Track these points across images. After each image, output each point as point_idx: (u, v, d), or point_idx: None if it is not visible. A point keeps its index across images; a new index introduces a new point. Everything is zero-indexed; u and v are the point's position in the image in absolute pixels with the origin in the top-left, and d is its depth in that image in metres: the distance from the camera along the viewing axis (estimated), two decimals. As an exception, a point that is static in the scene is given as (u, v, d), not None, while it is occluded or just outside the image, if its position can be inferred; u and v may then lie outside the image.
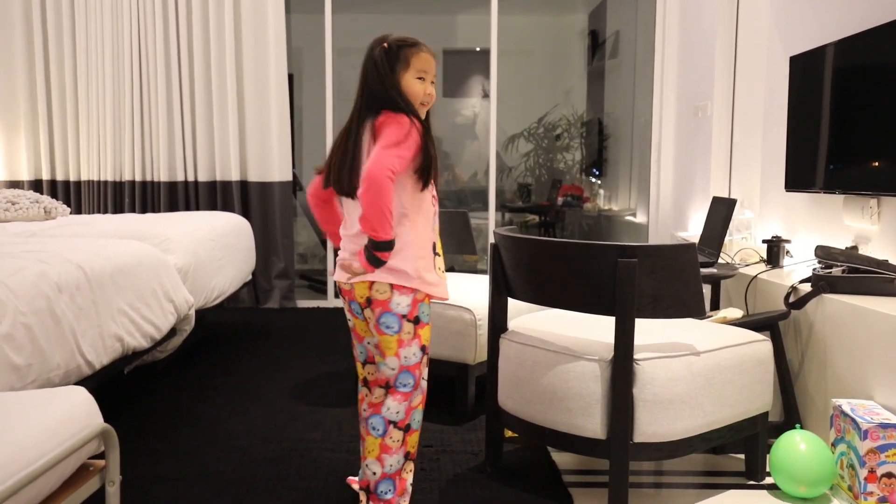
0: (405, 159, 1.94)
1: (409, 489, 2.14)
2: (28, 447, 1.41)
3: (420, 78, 2.03)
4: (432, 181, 2.04)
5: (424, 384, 2.10)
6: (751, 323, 2.65)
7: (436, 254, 2.09)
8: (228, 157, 5.11)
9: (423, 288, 2.02)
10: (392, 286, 2.00)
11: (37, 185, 5.20)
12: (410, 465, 2.11)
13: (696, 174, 4.58)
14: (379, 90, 2.01)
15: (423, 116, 2.06)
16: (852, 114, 2.92)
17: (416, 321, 2.04)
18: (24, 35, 5.07)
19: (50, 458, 1.42)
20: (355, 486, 2.31)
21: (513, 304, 2.49)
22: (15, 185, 5.19)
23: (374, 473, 2.04)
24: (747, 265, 3.33)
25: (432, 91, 2.06)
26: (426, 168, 2.00)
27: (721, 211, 3.35)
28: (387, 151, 1.91)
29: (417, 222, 2.03)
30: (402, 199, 2.00)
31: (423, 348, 2.07)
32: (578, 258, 2.11)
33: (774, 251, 3.23)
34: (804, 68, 3.29)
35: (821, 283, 2.57)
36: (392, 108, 2.00)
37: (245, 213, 5.15)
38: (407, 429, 2.06)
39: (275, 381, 3.46)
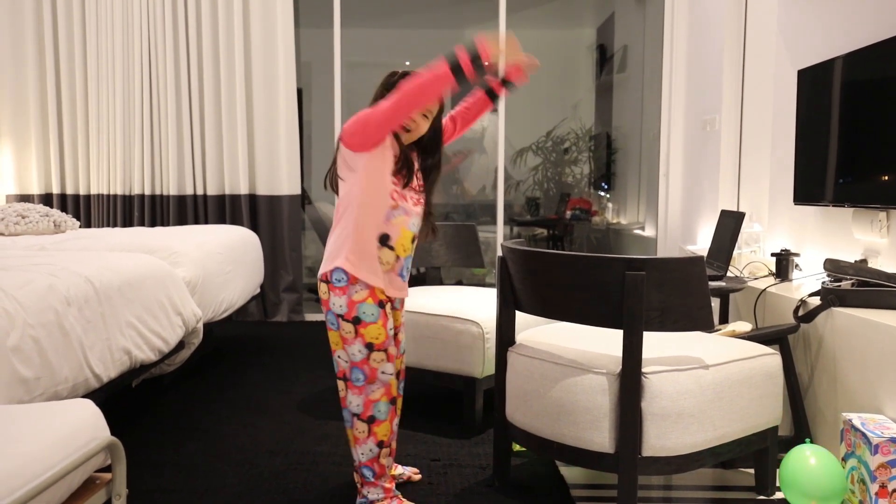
0: (352, 123, 2.11)
1: (391, 472, 2.33)
2: (35, 460, 1.42)
3: None
4: (399, 180, 2.18)
5: (386, 377, 2.19)
6: (760, 336, 2.63)
7: (388, 246, 2.17)
8: (237, 170, 5.14)
9: (371, 281, 2.13)
10: (329, 287, 2.15)
11: (47, 199, 5.23)
12: (386, 451, 2.23)
13: (705, 188, 4.57)
14: None
15: (404, 141, 2.20)
16: (861, 127, 2.92)
17: (357, 321, 2.14)
18: (34, 49, 5.11)
19: (56, 471, 1.42)
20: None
21: (520, 318, 2.49)
22: (25, 198, 5.22)
23: (356, 460, 2.23)
24: (756, 278, 3.31)
25: (415, 117, 2.18)
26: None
27: (729, 224, 3.34)
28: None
29: (359, 216, 2.15)
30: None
31: (368, 346, 2.16)
32: (586, 271, 2.10)
33: (783, 264, 3.22)
34: (812, 82, 3.29)
35: (830, 297, 2.56)
36: None
37: (253, 227, 5.17)
38: (371, 420, 2.19)
39: (282, 394, 3.46)
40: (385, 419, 2.20)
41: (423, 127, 2.22)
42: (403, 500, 2.25)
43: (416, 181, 2.25)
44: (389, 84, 2.19)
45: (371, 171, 2.12)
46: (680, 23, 5.14)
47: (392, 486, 2.26)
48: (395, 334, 2.35)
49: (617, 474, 2.09)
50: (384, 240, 2.16)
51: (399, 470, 2.49)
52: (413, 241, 2.24)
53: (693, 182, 4.87)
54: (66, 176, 5.24)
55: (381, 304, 2.16)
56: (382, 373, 2.18)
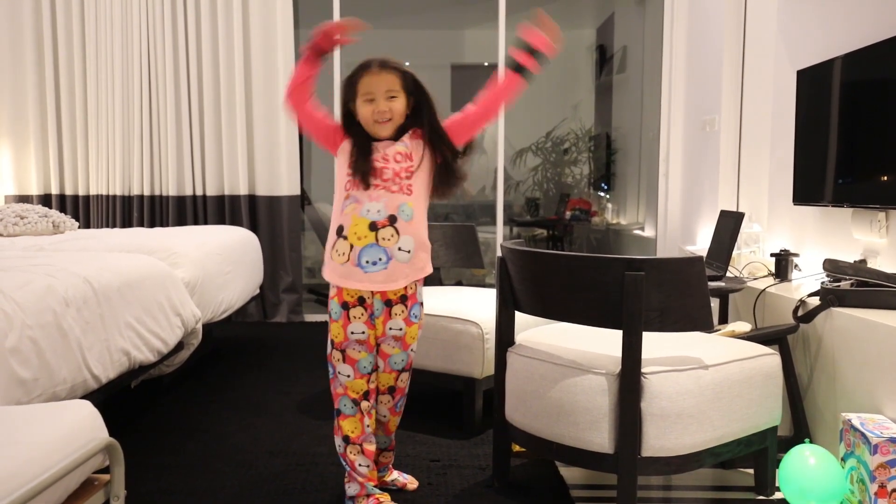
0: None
1: (385, 476, 2.40)
2: (33, 461, 1.41)
3: (370, 100, 2.17)
4: (351, 175, 2.18)
5: (342, 378, 2.22)
6: (759, 337, 2.63)
7: (342, 237, 2.16)
8: (237, 171, 5.13)
9: (330, 279, 2.20)
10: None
11: (46, 200, 5.23)
12: (356, 448, 2.23)
13: (704, 188, 4.57)
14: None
15: (386, 133, 2.19)
16: (860, 127, 2.91)
17: (329, 316, 2.24)
18: (34, 50, 5.11)
19: (54, 472, 1.42)
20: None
21: (520, 318, 2.49)
22: (24, 199, 5.22)
23: None
24: (755, 279, 3.31)
25: (383, 108, 2.16)
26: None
27: (729, 225, 3.34)
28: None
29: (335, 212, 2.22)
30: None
31: (331, 341, 2.23)
32: (586, 271, 2.10)
33: (783, 265, 3.22)
34: (812, 82, 3.29)
35: (829, 297, 2.55)
36: None
37: (253, 228, 5.16)
38: (338, 413, 2.24)
39: (282, 395, 3.46)
40: (351, 415, 2.21)
41: (396, 106, 2.16)
42: (381, 500, 2.23)
43: (394, 168, 2.16)
44: (349, 80, 2.23)
45: (337, 171, 2.22)
46: (679, 23, 5.14)
47: (369, 483, 2.24)
48: (378, 344, 2.26)
49: (616, 475, 2.09)
50: (339, 231, 2.17)
51: (394, 475, 2.44)
52: (371, 228, 2.12)
53: (693, 182, 4.87)
54: (65, 176, 5.24)
55: (345, 306, 2.19)
56: (339, 372, 2.22)
